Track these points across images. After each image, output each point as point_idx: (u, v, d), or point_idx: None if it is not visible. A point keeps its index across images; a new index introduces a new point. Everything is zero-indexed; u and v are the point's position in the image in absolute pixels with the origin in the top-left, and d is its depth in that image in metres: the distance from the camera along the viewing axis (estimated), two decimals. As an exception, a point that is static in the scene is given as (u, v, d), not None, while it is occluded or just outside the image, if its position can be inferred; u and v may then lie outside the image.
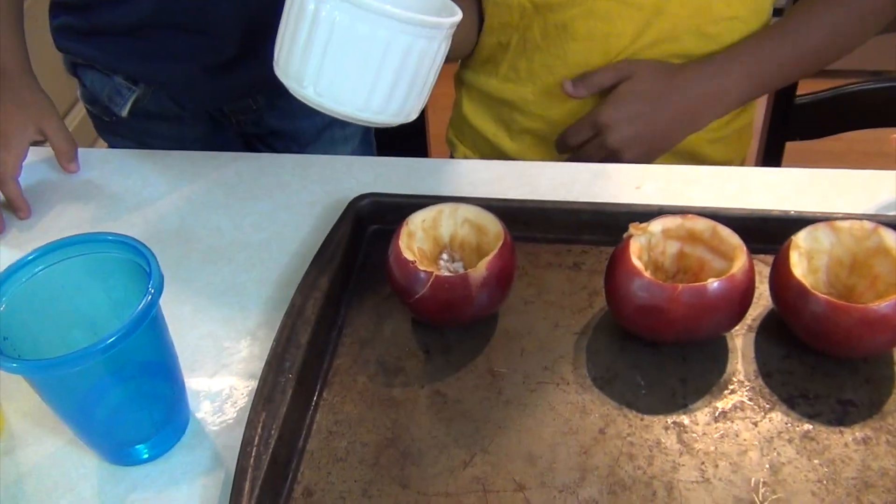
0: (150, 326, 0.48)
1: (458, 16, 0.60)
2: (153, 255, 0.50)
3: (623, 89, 0.78)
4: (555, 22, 0.79)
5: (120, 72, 0.88)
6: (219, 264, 0.68)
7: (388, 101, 0.59)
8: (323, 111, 0.59)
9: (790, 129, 1.04)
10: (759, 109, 0.94)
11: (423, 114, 0.64)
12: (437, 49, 0.59)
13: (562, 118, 0.83)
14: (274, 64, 0.61)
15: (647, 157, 0.79)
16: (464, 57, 0.90)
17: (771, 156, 1.07)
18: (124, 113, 0.89)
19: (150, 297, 0.47)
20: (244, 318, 0.62)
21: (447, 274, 0.57)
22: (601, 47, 0.79)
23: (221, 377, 0.58)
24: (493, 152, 0.91)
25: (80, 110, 1.34)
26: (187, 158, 0.80)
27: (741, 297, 0.54)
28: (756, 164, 1.07)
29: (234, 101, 0.93)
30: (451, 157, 0.97)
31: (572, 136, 0.80)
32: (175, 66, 0.86)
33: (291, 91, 0.59)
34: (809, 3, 0.79)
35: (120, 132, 0.93)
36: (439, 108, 1.08)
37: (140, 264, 0.50)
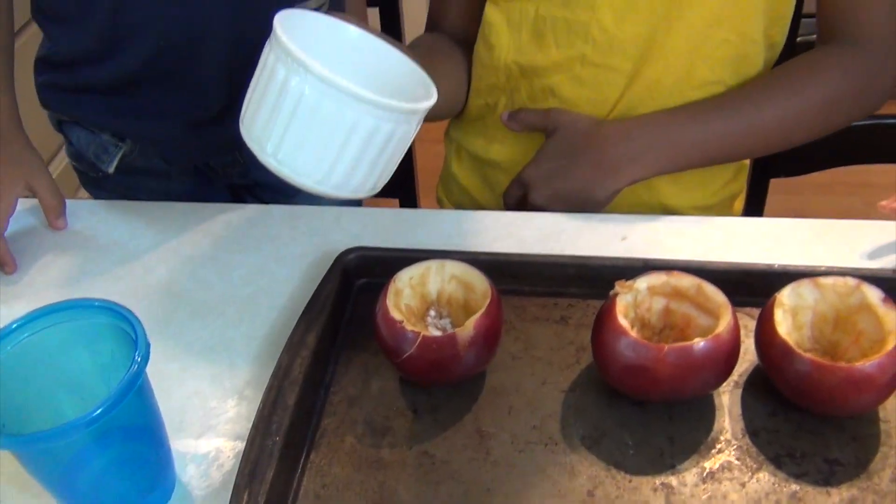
0: (137, 394, 0.48)
1: (432, 99, 0.58)
2: (139, 322, 0.50)
3: (545, 146, 0.78)
4: (541, 86, 0.79)
5: (106, 129, 0.88)
6: (207, 319, 0.68)
7: (349, 179, 0.58)
8: (281, 178, 0.57)
9: (774, 167, 1.05)
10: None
11: (409, 149, 0.62)
12: (405, 131, 0.57)
13: None
14: (240, 121, 0.59)
15: (578, 210, 0.75)
16: (453, 116, 0.90)
17: (756, 192, 1.08)
18: (111, 170, 0.89)
19: (136, 366, 0.47)
20: (232, 377, 0.62)
21: (435, 331, 0.57)
22: (587, 111, 0.78)
23: (207, 439, 0.58)
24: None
25: (62, 161, 1.33)
26: (175, 210, 0.80)
27: (727, 356, 0.54)
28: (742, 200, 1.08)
29: (222, 154, 0.93)
30: None
31: (508, 195, 0.80)
32: (162, 122, 0.86)
33: (252, 151, 0.58)
34: (765, 81, 0.76)
35: (106, 187, 0.92)
36: (427, 141, 1.09)
37: (126, 330, 0.50)
